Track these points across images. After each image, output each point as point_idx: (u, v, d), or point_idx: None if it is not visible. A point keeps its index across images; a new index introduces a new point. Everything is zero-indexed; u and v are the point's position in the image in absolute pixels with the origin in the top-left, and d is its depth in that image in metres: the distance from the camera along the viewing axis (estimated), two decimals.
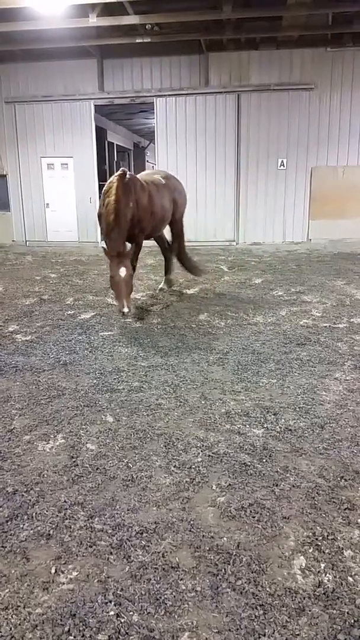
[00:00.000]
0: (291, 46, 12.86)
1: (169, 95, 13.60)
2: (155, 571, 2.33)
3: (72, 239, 14.67)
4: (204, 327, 6.15)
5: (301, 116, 13.30)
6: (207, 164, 13.74)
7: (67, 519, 2.70)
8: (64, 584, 2.28)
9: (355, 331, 5.88)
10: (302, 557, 2.42)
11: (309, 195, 13.64)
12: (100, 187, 15.13)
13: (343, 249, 12.41)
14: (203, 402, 4.11)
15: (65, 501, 2.84)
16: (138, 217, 6.60)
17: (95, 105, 14.12)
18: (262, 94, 13.29)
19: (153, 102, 13.78)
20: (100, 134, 16.37)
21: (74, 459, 3.27)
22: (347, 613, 2.11)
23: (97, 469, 3.16)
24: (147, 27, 11.74)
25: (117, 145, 19.81)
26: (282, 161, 13.50)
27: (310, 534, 2.57)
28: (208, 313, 6.78)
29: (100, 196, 7.20)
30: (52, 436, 3.58)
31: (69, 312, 6.94)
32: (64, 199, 14.69)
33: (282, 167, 13.27)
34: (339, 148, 13.36)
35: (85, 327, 6.18)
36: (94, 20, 10.54)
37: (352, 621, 2.07)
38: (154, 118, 14.15)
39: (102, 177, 15.76)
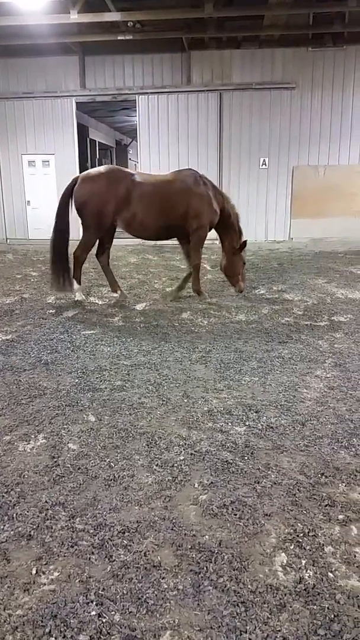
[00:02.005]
0: (273, 45, 12.94)
1: (151, 93, 13.59)
2: (137, 570, 2.33)
3: None
4: (186, 326, 6.15)
5: (283, 115, 13.40)
6: (189, 162, 13.73)
7: (48, 519, 2.68)
8: (45, 584, 2.26)
9: (336, 329, 5.94)
10: (283, 554, 2.43)
11: (290, 194, 13.75)
12: None
13: (324, 248, 12.53)
14: (185, 400, 4.11)
15: (46, 501, 2.82)
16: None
17: (77, 103, 14.05)
18: (244, 92, 13.35)
19: (135, 100, 13.75)
20: (82, 131, 16.28)
21: (55, 459, 3.25)
22: (327, 608, 2.13)
23: (78, 468, 3.14)
24: (129, 24, 11.71)
25: (99, 142, 19.72)
26: (264, 160, 13.58)
27: (292, 530, 2.59)
28: (191, 311, 6.79)
29: None
30: (32, 436, 3.55)
31: (51, 310, 6.88)
32: (45, 197, 14.58)
33: (264, 166, 13.35)
34: (320, 147, 13.49)
35: (67, 326, 6.14)
36: (75, 17, 10.46)
37: (332, 616, 2.09)
38: (136, 116, 14.12)
39: None
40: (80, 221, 7.04)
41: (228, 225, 7.26)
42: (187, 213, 6.93)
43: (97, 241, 7.23)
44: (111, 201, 6.74)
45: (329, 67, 13.04)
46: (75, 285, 7.16)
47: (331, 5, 11.05)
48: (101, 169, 7.25)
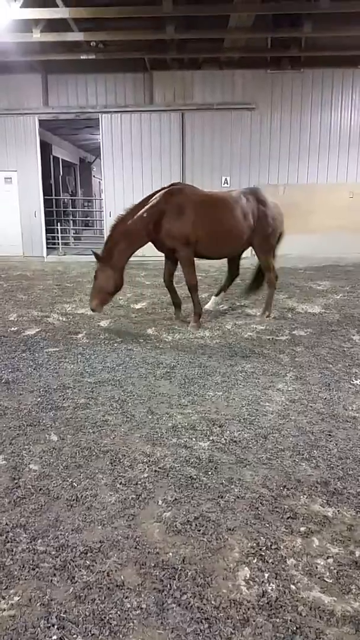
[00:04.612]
0: (233, 67, 13.29)
1: (114, 111, 13.70)
2: (99, 591, 2.30)
3: (16, 254, 14.39)
4: (151, 342, 6.16)
5: (243, 135, 13.71)
6: (153, 180, 13.85)
7: (8, 542, 2.62)
8: (4, 610, 2.20)
9: (297, 343, 6.06)
10: (246, 568, 2.45)
11: None
12: (46, 201, 15.00)
13: (285, 264, 12.77)
14: (150, 416, 4.10)
15: (6, 524, 2.76)
16: None
17: (39, 120, 14.01)
18: (205, 112, 13.62)
19: (98, 118, 13.82)
20: (45, 148, 16.23)
21: (15, 481, 3.18)
22: (290, 620, 2.15)
23: (40, 489, 3.09)
24: (91, 44, 11.82)
25: (62, 160, 19.68)
26: (226, 179, 13.83)
27: (255, 544, 2.61)
28: (156, 327, 6.81)
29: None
30: None
31: (13, 328, 6.78)
32: (7, 213, 14.42)
33: (225, 185, 13.57)
34: (280, 167, 13.85)
35: (30, 344, 6.06)
36: (37, 36, 10.50)
37: (295, 628, 2.11)
38: (99, 134, 14.19)
39: (47, 192, 15.61)
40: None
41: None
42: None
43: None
44: None
45: (287, 89, 13.46)
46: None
47: (287, 30, 11.46)
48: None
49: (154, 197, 6.60)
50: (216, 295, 7.87)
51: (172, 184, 7.08)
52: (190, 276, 6.77)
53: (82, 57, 12.16)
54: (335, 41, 12.15)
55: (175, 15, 10.00)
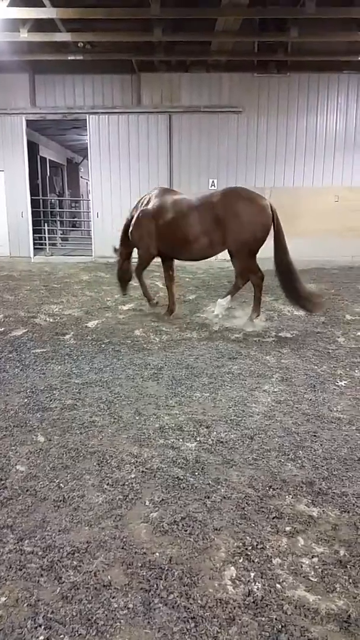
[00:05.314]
0: (220, 70, 13.35)
1: (102, 112, 13.69)
2: (86, 591, 2.31)
3: (2, 254, 14.31)
4: (139, 343, 6.17)
5: (230, 138, 13.78)
6: (140, 181, 13.88)
7: None
8: None
9: (283, 345, 6.12)
10: (232, 568, 2.47)
11: None
12: (33, 201, 14.94)
13: (271, 267, 12.85)
14: (137, 417, 4.12)
15: None
16: None
17: (27, 120, 13.94)
18: (192, 115, 13.66)
19: (86, 119, 13.80)
20: (33, 148, 16.15)
21: (2, 482, 3.17)
22: (275, 619, 2.18)
23: (27, 490, 3.08)
24: (79, 44, 11.80)
25: (49, 160, 19.60)
26: (213, 181, 13.88)
27: (241, 544, 2.63)
28: (143, 329, 6.82)
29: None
30: None
31: None
32: None
33: (212, 187, 13.62)
34: (266, 170, 13.94)
35: (16, 345, 6.03)
36: (24, 35, 10.45)
37: (280, 626, 2.14)
38: (87, 135, 14.16)
39: (34, 192, 15.54)
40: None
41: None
42: None
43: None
44: None
45: (273, 93, 13.56)
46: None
47: (274, 35, 11.56)
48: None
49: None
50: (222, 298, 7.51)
51: (154, 189, 7.36)
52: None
53: (69, 58, 12.12)
54: (321, 46, 12.29)
55: (163, 17, 10.02)
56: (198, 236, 6.80)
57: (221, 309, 7.21)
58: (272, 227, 6.86)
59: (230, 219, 6.63)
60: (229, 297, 7.20)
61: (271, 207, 6.87)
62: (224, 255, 14.44)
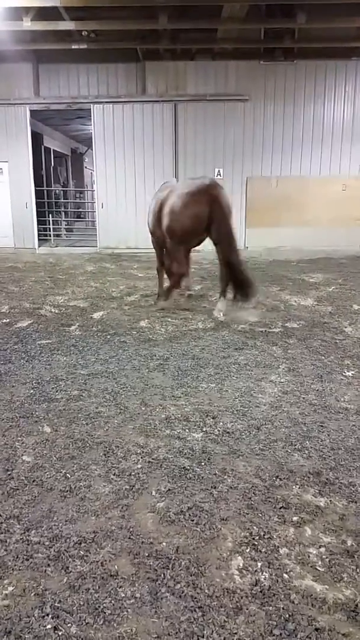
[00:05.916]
0: (226, 58, 13.21)
1: (106, 102, 13.59)
2: (93, 580, 2.31)
3: (7, 245, 14.30)
4: (144, 334, 6.16)
5: (236, 127, 13.66)
6: (145, 171, 13.81)
7: (2, 533, 2.62)
8: None
9: (289, 335, 6.08)
10: (239, 557, 2.47)
11: (245, 205, 14.01)
12: (37, 192, 14.91)
13: (278, 257, 12.81)
14: (143, 408, 4.11)
15: (0, 515, 2.76)
16: None
17: (31, 110, 13.87)
18: (198, 103, 13.54)
19: (90, 109, 13.71)
20: (37, 138, 16.10)
21: (9, 472, 3.18)
22: (282, 609, 2.17)
23: (33, 481, 3.09)
24: (83, 33, 11.70)
25: (54, 150, 19.52)
26: (219, 171, 13.79)
27: (247, 534, 2.63)
28: (149, 320, 6.80)
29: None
30: None
31: (4, 320, 6.74)
32: None
33: (219, 177, 13.53)
34: (273, 159, 13.83)
35: (22, 336, 6.03)
36: (28, 24, 10.38)
37: (287, 616, 2.13)
38: (91, 124, 14.08)
39: (38, 183, 15.50)
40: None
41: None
42: None
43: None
44: None
45: (280, 81, 13.41)
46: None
47: (281, 21, 11.40)
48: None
49: None
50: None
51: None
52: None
53: (73, 47, 12.04)
54: (329, 32, 12.10)
55: (168, 5, 9.92)
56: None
57: (222, 309, 7.09)
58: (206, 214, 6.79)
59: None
60: (222, 297, 7.07)
61: (212, 194, 6.83)
62: None
